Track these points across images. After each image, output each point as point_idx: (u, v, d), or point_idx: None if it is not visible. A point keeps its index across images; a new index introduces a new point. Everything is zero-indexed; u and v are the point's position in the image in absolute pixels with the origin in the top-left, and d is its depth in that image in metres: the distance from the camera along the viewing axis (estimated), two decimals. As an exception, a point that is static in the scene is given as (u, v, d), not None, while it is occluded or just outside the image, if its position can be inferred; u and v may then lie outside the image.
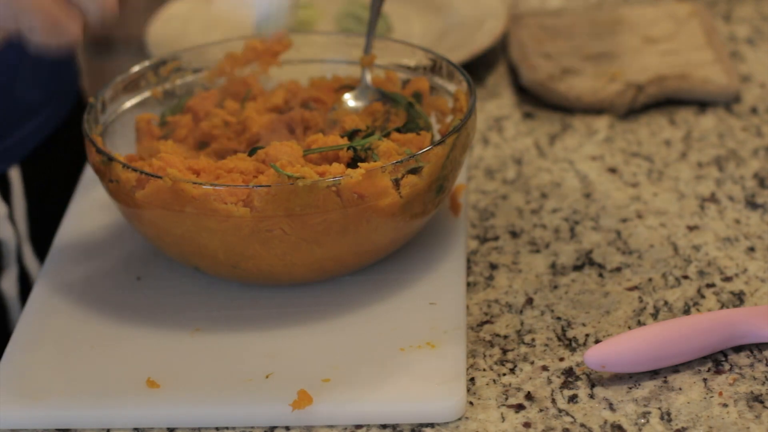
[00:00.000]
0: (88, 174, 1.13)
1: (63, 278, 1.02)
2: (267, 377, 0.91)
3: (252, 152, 0.97)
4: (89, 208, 1.09)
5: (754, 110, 1.21)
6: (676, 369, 0.91)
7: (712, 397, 0.89)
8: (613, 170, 1.14)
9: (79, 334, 0.96)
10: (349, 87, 1.07)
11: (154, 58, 1.09)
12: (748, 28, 1.34)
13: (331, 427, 0.88)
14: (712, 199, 1.09)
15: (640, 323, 0.96)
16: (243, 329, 0.95)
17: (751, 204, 1.08)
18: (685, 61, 1.24)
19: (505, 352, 0.94)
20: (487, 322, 0.97)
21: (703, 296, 0.98)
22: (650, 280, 1.00)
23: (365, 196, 0.92)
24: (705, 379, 0.91)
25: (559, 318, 0.97)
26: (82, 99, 1.33)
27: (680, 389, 0.90)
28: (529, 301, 0.99)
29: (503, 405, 0.89)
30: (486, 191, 1.12)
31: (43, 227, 1.23)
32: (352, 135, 1.00)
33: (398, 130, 1.01)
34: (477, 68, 1.30)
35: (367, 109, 1.04)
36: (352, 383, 0.90)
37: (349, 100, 1.06)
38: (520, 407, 0.89)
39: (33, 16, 0.86)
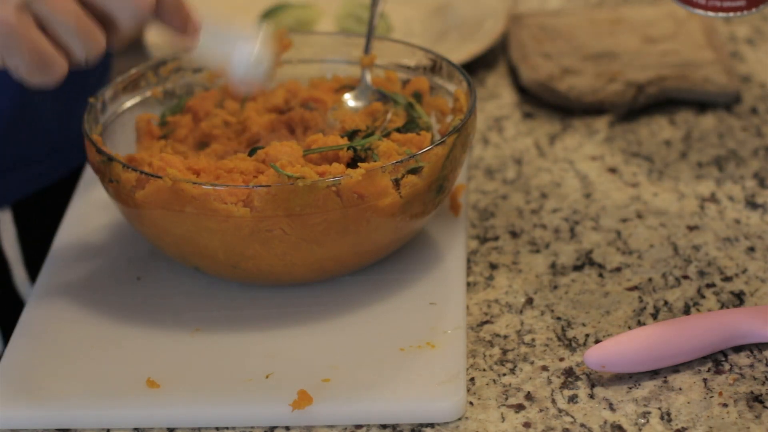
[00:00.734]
0: (88, 174, 1.13)
1: (63, 278, 1.02)
2: (267, 377, 0.91)
3: (252, 152, 0.97)
4: (89, 208, 1.09)
5: (754, 110, 1.21)
6: (676, 369, 0.91)
7: (712, 397, 0.89)
8: (613, 170, 1.14)
9: (79, 334, 0.96)
10: (349, 87, 1.08)
11: (154, 58, 1.09)
12: (748, 28, 1.34)
13: (331, 427, 0.88)
14: (712, 199, 1.09)
15: (640, 323, 0.96)
16: (243, 329, 0.95)
17: (751, 204, 1.08)
18: (685, 61, 1.24)
19: (505, 352, 0.94)
20: (487, 322, 0.97)
21: (703, 296, 0.98)
22: (650, 280, 1.00)
23: (365, 196, 0.92)
24: (705, 379, 0.91)
25: (559, 318, 0.97)
26: None
27: (680, 389, 0.90)
28: (529, 301, 0.99)
29: (503, 405, 0.89)
30: (486, 191, 1.12)
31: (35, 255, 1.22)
32: (352, 135, 1.00)
33: (398, 130, 1.01)
34: (477, 68, 1.30)
35: (367, 109, 1.04)
36: (352, 383, 0.90)
37: (349, 100, 1.06)
38: (520, 407, 0.89)
39: (20, 53, 0.86)
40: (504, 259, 1.03)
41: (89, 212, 1.09)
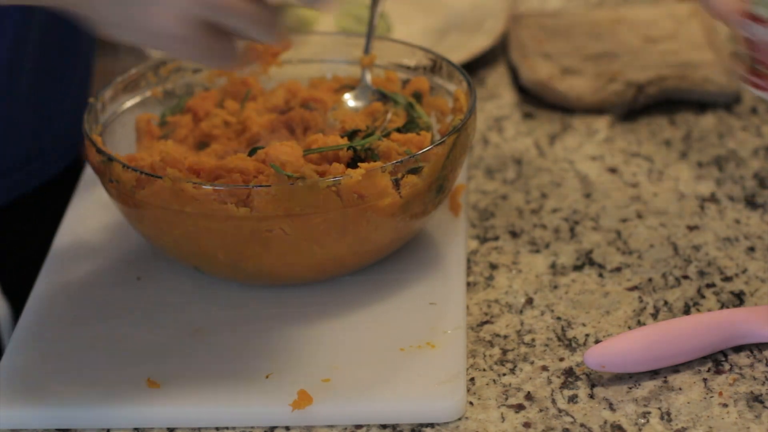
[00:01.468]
0: (88, 174, 1.13)
1: (63, 278, 1.02)
2: (267, 377, 0.91)
3: (252, 152, 0.97)
4: (89, 208, 1.09)
5: (754, 110, 1.21)
6: (676, 369, 0.91)
7: (712, 397, 0.89)
8: (613, 170, 1.14)
9: (79, 334, 0.96)
10: (349, 87, 1.08)
11: (154, 58, 1.09)
12: (748, 28, 1.34)
13: (331, 427, 0.88)
14: (712, 199, 1.09)
15: (640, 323, 0.96)
16: (243, 329, 0.95)
17: (751, 204, 1.08)
18: (685, 61, 1.24)
19: (505, 352, 0.94)
20: (487, 322, 0.97)
21: (703, 296, 0.98)
22: (650, 280, 1.00)
23: (365, 196, 0.92)
24: (705, 379, 0.91)
25: (559, 318, 0.97)
26: (80, 160, 1.28)
27: (680, 389, 0.90)
28: (529, 301, 0.99)
29: (503, 405, 0.89)
30: (486, 191, 1.12)
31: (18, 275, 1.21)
32: (352, 135, 1.00)
33: (398, 130, 1.01)
34: (477, 68, 1.29)
35: (367, 109, 1.04)
36: (352, 383, 0.90)
37: (349, 100, 1.06)
38: (520, 407, 0.89)
39: (191, 57, 0.88)
40: (504, 259, 1.03)
41: (89, 212, 1.09)
